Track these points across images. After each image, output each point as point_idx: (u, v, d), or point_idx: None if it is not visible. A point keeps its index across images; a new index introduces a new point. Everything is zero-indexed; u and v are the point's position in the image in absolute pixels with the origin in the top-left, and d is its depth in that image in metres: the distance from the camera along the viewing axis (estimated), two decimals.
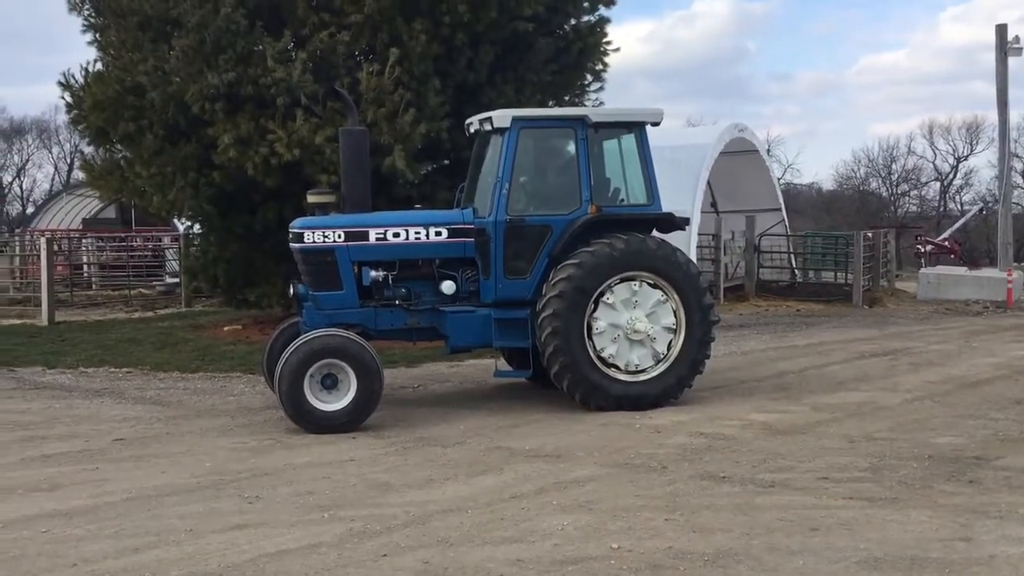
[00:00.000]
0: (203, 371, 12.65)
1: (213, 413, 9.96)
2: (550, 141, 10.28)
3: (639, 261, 9.56)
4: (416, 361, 12.87)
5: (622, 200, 10.09)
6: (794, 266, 25.13)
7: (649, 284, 9.62)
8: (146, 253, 27.11)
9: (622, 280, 9.54)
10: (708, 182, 21.44)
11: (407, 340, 10.36)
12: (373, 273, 9.68)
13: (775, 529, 5.91)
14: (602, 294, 9.49)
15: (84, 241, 28.69)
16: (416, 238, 9.71)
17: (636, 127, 10.05)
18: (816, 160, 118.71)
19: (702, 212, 21.04)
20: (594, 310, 9.48)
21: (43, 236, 22.43)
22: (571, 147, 9.92)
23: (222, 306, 18.36)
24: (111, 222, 32.13)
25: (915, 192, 62.36)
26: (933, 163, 61.52)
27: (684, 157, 20.18)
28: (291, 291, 10.24)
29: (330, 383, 8.93)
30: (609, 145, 10.17)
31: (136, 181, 14.82)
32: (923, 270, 25.85)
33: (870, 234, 24.68)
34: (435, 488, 6.98)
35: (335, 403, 8.89)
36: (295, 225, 9.82)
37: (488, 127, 9.95)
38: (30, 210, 55.28)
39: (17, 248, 29.46)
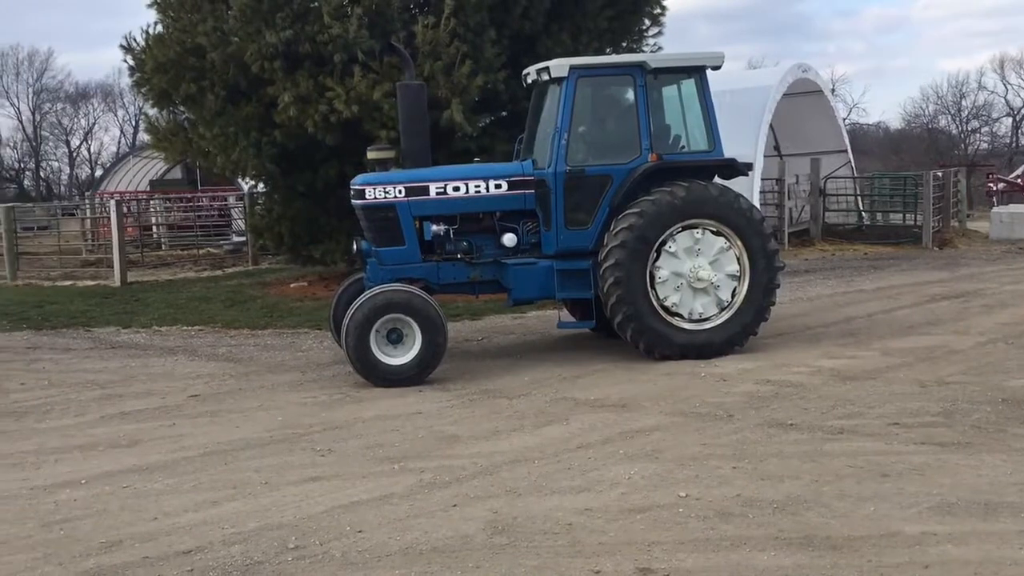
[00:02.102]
0: (272, 327, 12.90)
1: (283, 368, 10.16)
2: (608, 89, 10.15)
3: (701, 209, 9.45)
4: (479, 314, 12.95)
5: (683, 147, 9.94)
6: (861, 209, 24.60)
7: (712, 231, 9.52)
8: (212, 213, 27.55)
9: (684, 228, 9.45)
10: (771, 125, 21.02)
11: (470, 293, 10.41)
12: (434, 227, 9.71)
13: (845, 476, 5.87)
14: (664, 243, 9.42)
15: (152, 202, 29.27)
16: (476, 191, 9.71)
17: (696, 72, 9.87)
18: (883, 99, 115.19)
19: (765, 156, 20.68)
20: (656, 259, 9.42)
21: (112, 198, 22.92)
22: (630, 94, 9.78)
23: (288, 263, 18.64)
24: (177, 183, 32.69)
25: (986, 129, 60.60)
26: (1004, 98, 59.65)
27: (746, 101, 19.79)
28: (354, 247, 10.35)
29: (395, 338, 9.03)
30: (669, 91, 10.01)
31: (200, 142, 15.04)
32: (995, 209, 25.15)
33: (940, 173, 24.02)
34: (502, 439, 7.06)
35: (401, 357, 9.00)
36: (356, 182, 9.89)
37: (546, 77, 9.86)
38: (98, 173, 56.48)
39: (88, 211, 30.16)
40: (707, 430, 7.03)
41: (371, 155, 10.11)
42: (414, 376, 8.97)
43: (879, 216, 24.75)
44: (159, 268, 22.02)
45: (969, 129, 60.26)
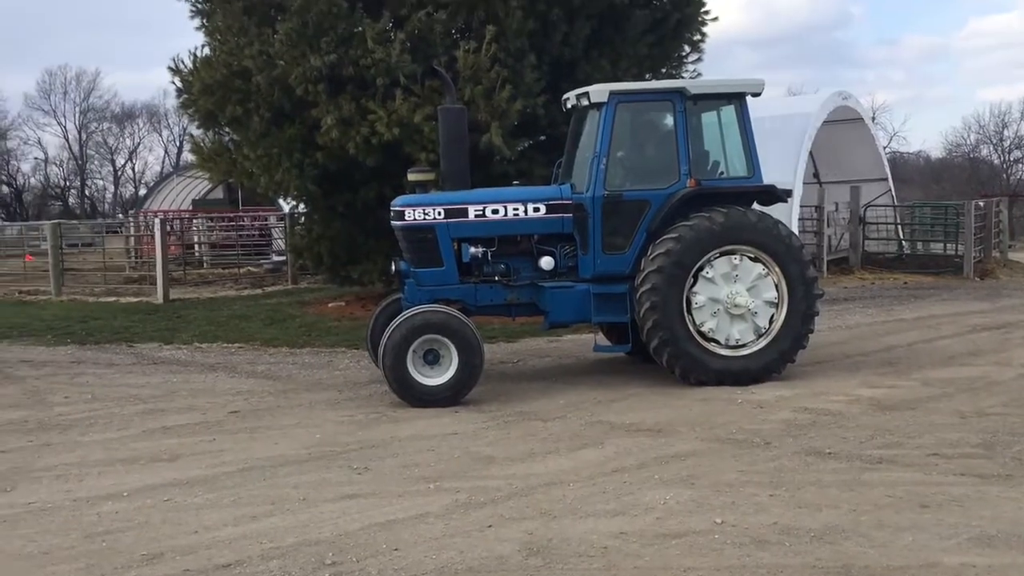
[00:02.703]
0: (310, 346, 13.02)
1: (321, 387, 10.26)
2: (648, 115, 10.20)
3: (739, 234, 9.45)
4: (515, 336, 12.99)
5: (722, 173, 9.95)
6: (901, 237, 24.39)
7: (750, 258, 9.50)
8: (253, 232, 27.86)
9: (722, 254, 9.45)
10: (810, 152, 20.94)
11: (506, 316, 10.45)
12: (472, 249, 9.79)
13: (883, 506, 5.82)
14: (701, 268, 9.42)
15: (195, 221, 29.67)
16: (515, 214, 9.78)
17: (736, 98, 9.89)
18: (924, 127, 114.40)
19: (804, 183, 20.59)
20: (693, 284, 9.42)
21: (156, 217, 23.29)
22: (669, 120, 9.83)
23: (326, 283, 18.82)
24: (219, 202, 33.14)
25: None
26: None
27: (785, 127, 19.74)
28: (393, 268, 10.44)
29: (432, 358, 9.09)
30: (708, 117, 10.04)
31: (244, 163, 15.26)
32: None
33: (981, 203, 23.75)
34: (537, 461, 7.08)
35: (437, 378, 9.06)
36: (396, 203, 9.99)
37: (585, 102, 9.93)
38: (142, 192, 57.44)
39: (131, 228, 30.64)
40: (744, 457, 7.01)
41: (411, 177, 10.22)
42: (450, 397, 9.03)
43: (919, 245, 24.50)
44: (200, 286, 22.31)
45: (1011, 159, 59.52)
